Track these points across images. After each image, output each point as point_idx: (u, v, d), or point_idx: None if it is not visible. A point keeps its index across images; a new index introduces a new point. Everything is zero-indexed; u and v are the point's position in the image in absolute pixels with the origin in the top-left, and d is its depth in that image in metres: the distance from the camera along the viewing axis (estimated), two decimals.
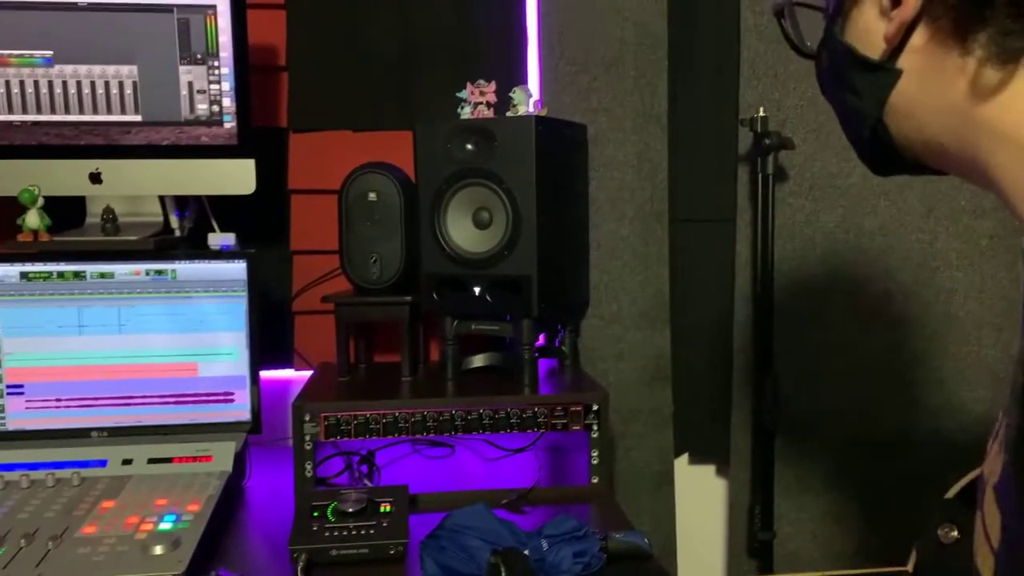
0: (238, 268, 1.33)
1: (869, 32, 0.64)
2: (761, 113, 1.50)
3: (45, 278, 1.29)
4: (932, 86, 0.61)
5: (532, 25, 1.59)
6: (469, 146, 1.31)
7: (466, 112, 1.36)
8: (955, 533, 0.66)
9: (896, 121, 0.65)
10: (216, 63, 1.34)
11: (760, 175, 1.52)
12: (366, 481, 1.33)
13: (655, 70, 1.58)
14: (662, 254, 1.62)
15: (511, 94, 1.35)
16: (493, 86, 1.36)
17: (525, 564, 0.63)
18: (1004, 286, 1.58)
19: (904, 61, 0.62)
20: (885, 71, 0.63)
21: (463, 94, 1.37)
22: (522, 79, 1.59)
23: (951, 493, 0.69)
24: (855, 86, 0.66)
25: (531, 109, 1.36)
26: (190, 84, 1.34)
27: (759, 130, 1.50)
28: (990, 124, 0.58)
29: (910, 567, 0.64)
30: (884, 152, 0.68)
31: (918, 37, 0.61)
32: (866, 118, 0.66)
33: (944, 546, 0.66)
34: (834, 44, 0.68)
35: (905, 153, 0.67)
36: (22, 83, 1.32)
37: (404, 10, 1.56)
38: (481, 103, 1.35)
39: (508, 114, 1.35)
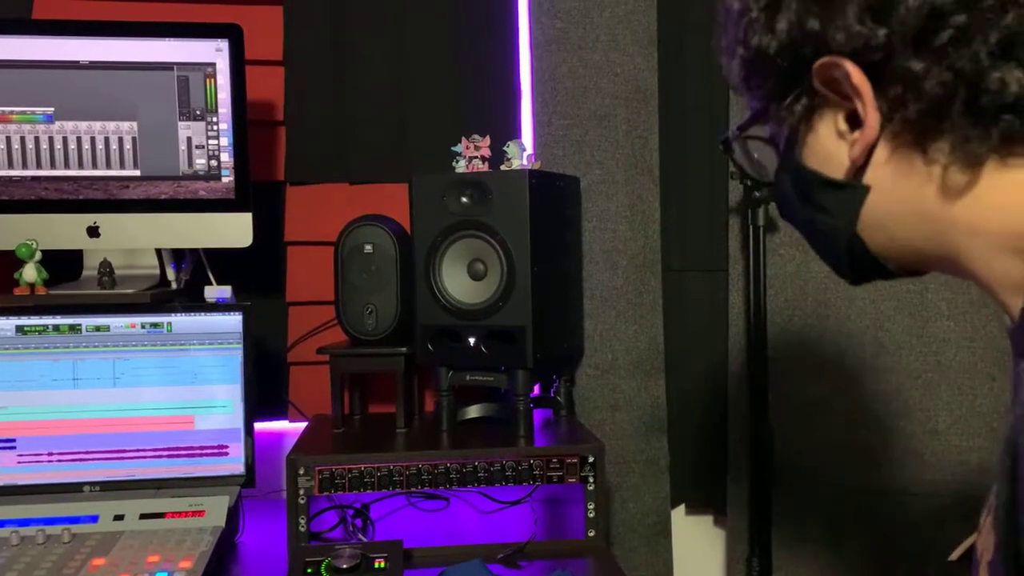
0: (234, 320, 1.34)
1: (829, 154, 0.65)
2: None
3: (41, 331, 1.29)
4: (901, 195, 0.62)
5: (525, 80, 1.62)
6: (464, 199, 1.32)
7: (461, 165, 1.38)
8: None
9: (870, 233, 0.66)
10: (215, 119, 1.37)
11: (751, 226, 1.54)
12: (360, 536, 1.32)
13: (646, 123, 1.61)
14: (656, 304, 1.63)
15: (505, 148, 1.38)
16: (487, 140, 1.39)
17: None
18: (996, 335, 1.59)
19: (870, 176, 0.63)
20: (853, 188, 0.64)
21: (458, 148, 1.39)
22: (516, 133, 1.62)
23: (955, 555, 0.69)
24: (825, 206, 0.67)
25: (525, 162, 1.38)
26: (189, 139, 1.37)
27: (749, 183, 1.52)
28: (962, 222, 0.59)
29: None
30: (862, 263, 0.68)
31: (881, 152, 0.62)
32: (841, 235, 0.67)
33: None
34: (796, 170, 0.68)
35: (883, 261, 0.67)
36: (23, 139, 1.34)
37: (400, 65, 1.59)
38: (476, 157, 1.38)
39: (502, 167, 1.37)
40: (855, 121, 0.62)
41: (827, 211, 0.67)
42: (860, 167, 0.63)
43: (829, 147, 0.65)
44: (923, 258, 0.65)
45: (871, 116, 0.60)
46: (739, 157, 0.77)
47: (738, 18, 0.67)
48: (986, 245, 0.59)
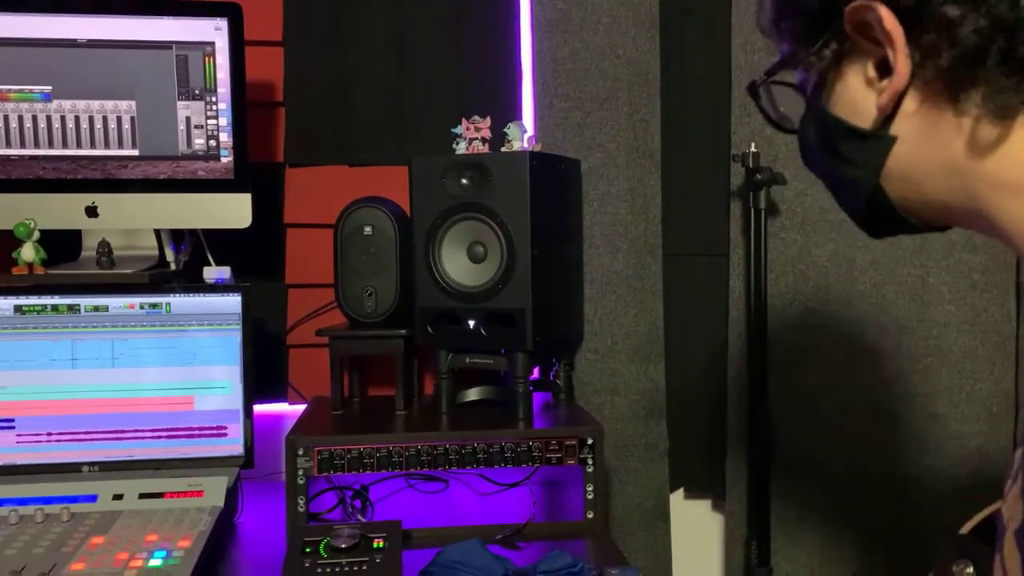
0: (233, 301, 1.33)
1: (856, 103, 0.64)
2: (753, 149, 1.52)
3: (39, 311, 1.29)
4: (928, 147, 0.61)
5: (527, 62, 1.61)
6: (464, 181, 1.32)
7: (461, 147, 1.37)
8: (971, 570, 0.65)
9: (894, 185, 0.64)
10: (214, 99, 1.36)
11: (752, 210, 1.54)
12: (359, 516, 1.32)
13: (648, 106, 1.60)
14: (656, 288, 1.63)
15: (506, 130, 1.37)
16: (488, 122, 1.38)
17: None
18: (997, 320, 1.59)
19: (897, 127, 0.62)
20: (879, 139, 0.63)
21: (458, 130, 1.38)
22: (517, 115, 1.61)
23: (966, 529, 0.69)
24: (849, 156, 0.66)
25: (525, 145, 1.37)
26: (188, 119, 1.36)
27: (751, 165, 1.51)
28: (992, 177, 0.58)
29: None
30: (884, 216, 0.67)
31: (910, 102, 0.60)
32: (863, 186, 0.66)
33: None
34: (822, 117, 0.67)
35: (906, 214, 0.66)
36: (20, 118, 1.33)
37: (400, 46, 1.58)
38: (476, 139, 1.37)
39: (503, 149, 1.36)
40: (885, 69, 0.61)
41: (851, 161, 0.66)
42: (887, 117, 0.61)
43: (857, 95, 0.63)
44: (948, 213, 0.64)
45: (902, 63, 0.58)
46: (765, 103, 0.75)
47: None
48: (1016, 202, 0.57)
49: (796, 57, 0.67)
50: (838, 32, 0.62)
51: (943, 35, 0.56)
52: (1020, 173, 0.57)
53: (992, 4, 0.54)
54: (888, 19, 0.58)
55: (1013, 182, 0.57)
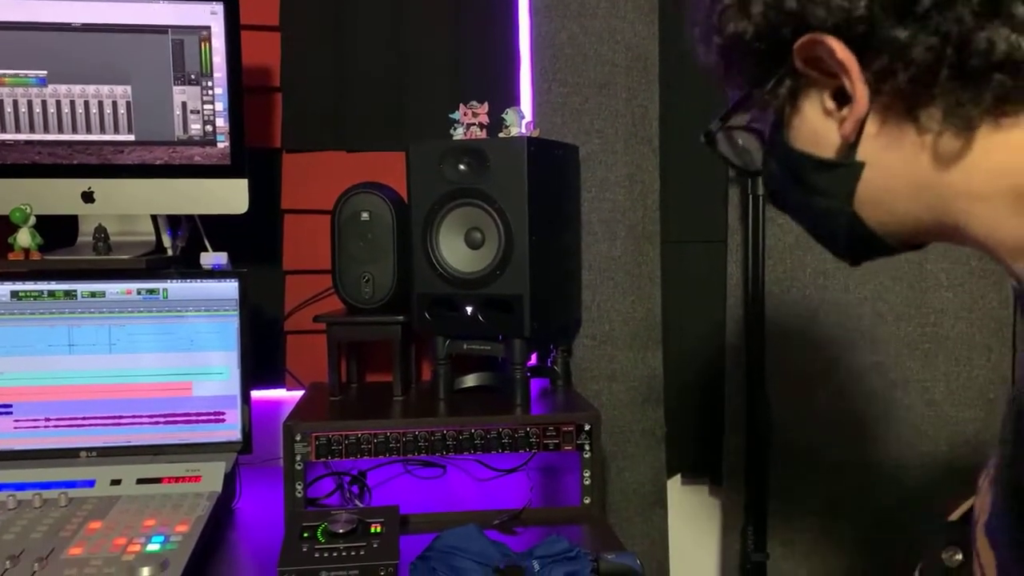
0: (230, 287, 1.33)
1: (818, 134, 0.63)
2: None
3: (36, 297, 1.29)
4: (896, 168, 0.61)
5: (525, 47, 1.60)
6: (461, 167, 1.31)
7: (459, 133, 1.37)
8: (959, 556, 0.66)
9: (868, 210, 0.64)
10: (210, 83, 1.35)
11: (750, 196, 1.53)
12: (357, 502, 1.32)
13: (646, 92, 1.60)
14: (654, 275, 1.62)
15: (504, 115, 1.37)
16: (486, 107, 1.37)
17: None
18: (994, 306, 1.59)
19: (863, 151, 0.62)
20: (848, 167, 0.63)
21: (456, 115, 1.38)
22: (515, 100, 1.60)
23: (955, 515, 0.69)
24: (820, 188, 0.66)
25: (523, 130, 1.37)
26: (184, 104, 1.35)
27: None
28: (960, 188, 0.58)
29: None
30: (862, 242, 0.67)
31: (871, 125, 0.60)
32: (838, 215, 0.65)
33: (949, 570, 0.66)
34: (786, 154, 0.66)
35: (883, 237, 0.66)
36: (15, 102, 1.32)
37: (397, 31, 1.57)
38: (474, 124, 1.36)
39: (500, 135, 1.36)
40: (841, 98, 0.61)
41: (822, 192, 0.65)
42: (852, 143, 0.61)
43: (817, 127, 0.63)
44: (923, 229, 0.64)
45: (860, 90, 0.58)
46: (724, 149, 0.74)
47: (710, 6, 0.65)
48: (987, 209, 0.58)
49: (750, 100, 0.66)
50: (789, 68, 0.62)
51: (895, 58, 0.56)
52: (986, 181, 0.57)
53: (938, 23, 0.54)
54: (840, 50, 0.57)
55: (982, 191, 0.58)
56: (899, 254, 0.69)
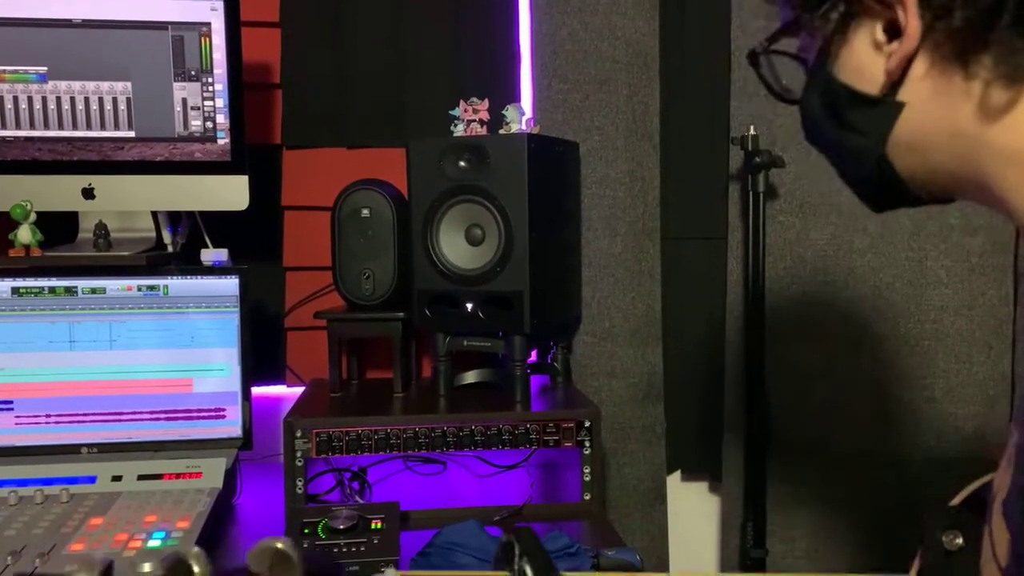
0: (230, 284, 1.33)
1: (863, 68, 0.62)
2: (752, 131, 1.51)
3: (36, 293, 1.29)
4: (936, 113, 0.59)
5: (525, 43, 1.60)
6: (462, 163, 1.31)
7: (459, 130, 1.37)
8: (960, 540, 0.66)
9: (900, 154, 0.63)
10: (210, 80, 1.35)
11: (751, 193, 1.53)
12: (357, 498, 1.33)
13: (647, 89, 1.59)
14: (654, 271, 1.62)
15: (504, 112, 1.36)
16: (486, 104, 1.37)
17: (538, 543, 0.62)
18: (994, 303, 1.59)
19: (905, 92, 0.60)
20: (887, 105, 0.61)
21: (456, 112, 1.38)
22: (515, 97, 1.60)
23: (956, 500, 0.69)
24: (855, 124, 0.64)
25: (524, 127, 1.36)
26: (184, 100, 1.35)
27: (750, 148, 1.51)
28: (998, 145, 0.57)
29: (913, 573, 0.64)
30: (887, 187, 0.66)
31: (919, 66, 0.59)
32: (869, 155, 0.64)
33: (949, 553, 0.66)
34: (827, 84, 0.65)
35: (910, 185, 0.65)
36: (16, 99, 1.32)
37: (398, 28, 1.57)
38: (474, 121, 1.36)
39: (501, 132, 1.36)
40: (893, 32, 0.59)
41: (857, 129, 0.64)
42: (895, 82, 0.60)
43: (864, 60, 0.62)
44: (952, 184, 0.63)
45: (912, 24, 0.57)
46: (766, 72, 0.73)
47: None
48: (1019, 171, 0.56)
49: (800, 21, 0.65)
50: None
51: None
52: None
53: None
54: None
55: (1019, 154, 0.56)
56: (923, 205, 0.68)
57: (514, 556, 0.57)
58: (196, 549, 0.39)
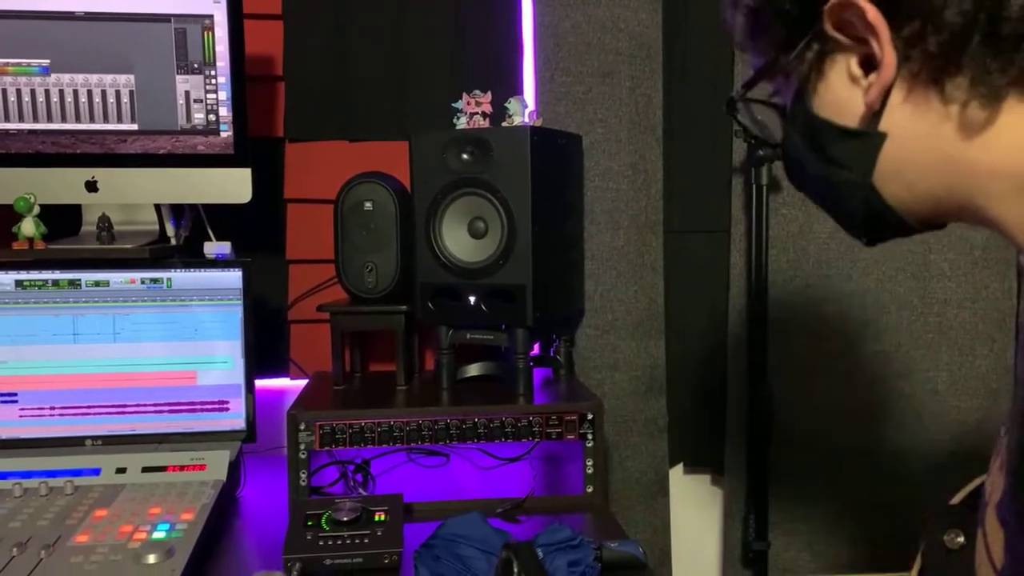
0: (234, 277, 1.33)
1: (841, 102, 0.63)
2: None
3: (40, 286, 1.29)
4: (918, 140, 0.60)
5: (528, 36, 1.60)
6: (465, 156, 1.31)
7: (462, 122, 1.37)
8: (961, 539, 0.66)
9: (887, 184, 0.63)
10: (213, 73, 1.35)
11: (754, 185, 1.53)
12: (361, 490, 1.33)
13: (650, 81, 1.59)
14: (657, 264, 1.62)
15: (507, 104, 1.36)
16: (489, 96, 1.37)
17: (537, 559, 0.63)
18: (997, 296, 1.59)
19: (886, 122, 0.61)
20: (869, 137, 0.62)
21: (459, 104, 1.37)
22: (518, 89, 1.60)
23: (957, 499, 0.70)
24: (839, 159, 0.65)
25: (526, 119, 1.36)
26: (187, 93, 1.35)
27: (753, 141, 1.50)
28: (981, 162, 0.58)
29: (914, 572, 0.64)
30: (878, 219, 0.66)
31: (896, 95, 0.60)
32: (856, 188, 0.65)
33: (950, 551, 0.66)
34: (808, 122, 0.66)
35: (901, 214, 0.65)
36: (19, 91, 1.32)
37: (400, 21, 1.57)
38: (477, 113, 1.36)
39: (504, 124, 1.35)
40: (869, 65, 0.60)
41: (841, 163, 0.65)
42: (876, 111, 0.61)
43: (842, 94, 0.63)
44: (942, 207, 0.63)
45: (888, 55, 0.58)
46: (744, 118, 0.74)
47: None
48: (1006, 187, 0.57)
49: (776, 65, 0.66)
50: (818, 33, 0.61)
51: (927, 22, 0.56)
52: (1009, 156, 0.57)
53: None
54: (871, 12, 0.57)
55: (1003, 167, 0.57)
56: (915, 234, 0.68)
57: (512, 573, 0.57)
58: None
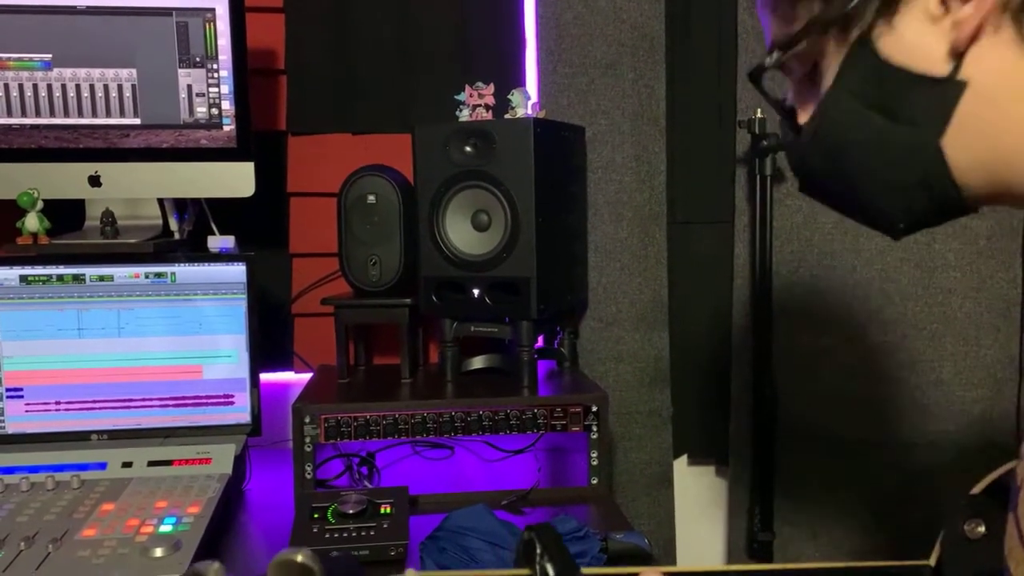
0: (237, 271, 1.33)
1: (914, 46, 0.56)
2: (759, 114, 1.50)
3: (44, 281, 1.29)
4: (1004, 92, 0.54)
5: (530, 27, 1.59)
6: (468, 148, 1.31)
7: (464, 114, 1.36)
8: (982, 529, 0.65)
9: (955, 146, 0.56)
10: (215, 66, 1.35)
11: (758, 176, 1.53)
12: (366, 483, 1.33)
13: (653, 72, 1.58)
14: (660, 256, 1.62)
15: (509, 96, 1.36)
16: (491, 88, 1.37)
17: (559, 540, 0.63)
18: (1002, 286, 1.58)
19: (967, 70, 0.54)
20: (948, 85, 0.54)
21: (461, 96, 1.37)
22: (520, 81, 1.59)
23: (978, 489, 0.69)
24: (908, 114, 0.57)
25: (529, 111, 1.36)
26: (189, 87, 1.35)
27: (757, 131, 1.50)
28: None
29: (932, 561, 0.64)
30: (930, 195, 0.59)
31: (983, 38, 0.53)
32: (920, 153, 0.57)
33: (971, 541, 0.66)
34: (873, 73, 0.57)
35: (959, 187, 0.58)
36: (21, 86, 1.32)
37: (402, 13, 1.56)
38: (480, 105, 1.36)
39: (506, 116, 1.35)
40: (944, 3, 0.54)
41: (910, 119, 0.57)
42: (958, 55, 0.54)
43: (916, 38, 0.55)
44: (1001, 181, 0.56)
45: None
46: (770, 88, 0.66)
47: None
48: None
49: (835, 7, 0.58)
50: None
51: None
52: None
53: None
54: None
55: None
56: (950, 220, 0.62)
57: (535, 554, 0.57)
58: (216, 564, 0.39)
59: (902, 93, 0.57)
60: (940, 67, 0.55)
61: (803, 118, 0.66)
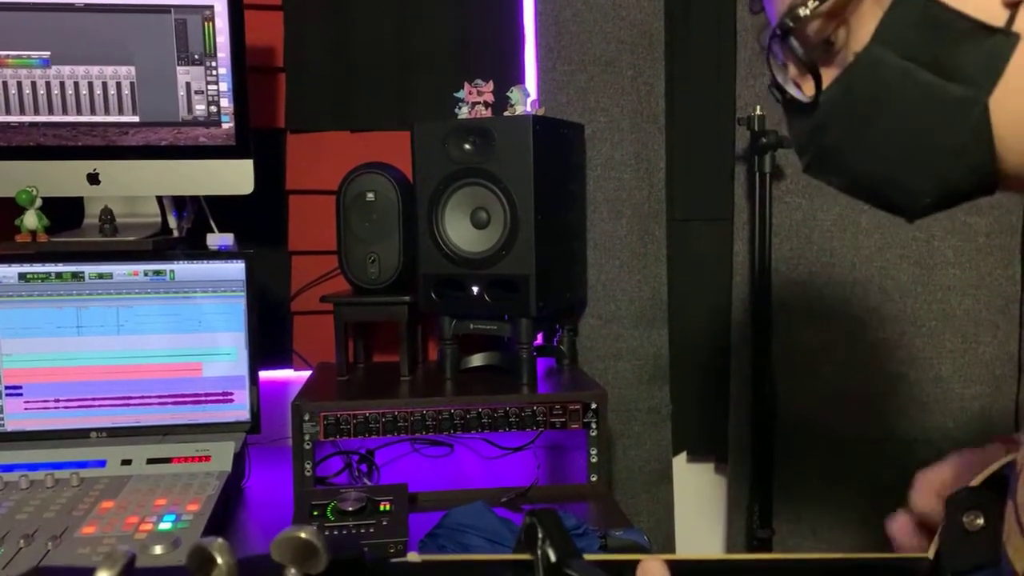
0: (236, 268, 1.33)
1: None
2: (758, 111, 1.50)
3: (43, 279, 1.29)
4: None
5: (529, 25, 1.59)
6: (467, 146, 1.31)
7: (464, 112, 1.36)
8: (980, 520, 0.65)
9: (1002, 107, 0.51)
10: (214, 64, 1.34)
11: (757, 173, 1.53)
12: (365, 480, 1.33)
13: (652, 69, 1.58)
14: (659, 253, 1.62)
15: (509, 94, 1.36)
16: (490, 86, 1.36)
17: (561, 525, 0.63)
18: (1001, 283, 1.58)
19: (1020, 22, 0.50)
20: (1000, 37, 0.50)
21: (461, 94, 1.37)
22: (519, 79, 1.59)
23: (977, 481, 0.69)
24: (958, 66, 0.52)
25: (528, 109, 1.36)
26: (188, 85, 1.34)
27: (756, 128, 1.50)
28: None
29: (931, 553, 0.64)
30: (968, 163, 0.54)
31: None
32: (968, 111, 0.52)
33: (969, 533, 0.66)
34: (924, 18, 0.52)
35: (998, 157, 0.53)
36: (19, 84, 1.32)
37: (401, 11, 1.56)
38: (479, 103, 1.36)
39: (506, 114, 1.35)
40: None
41: (959, 73, 0.52)
42: (1014, 4, 0.50)
43: None
44: None
45: None
46: (796, 45, 0.58)
47: None
48: None
49: None
50: None
51: None
52: None
53: None
54: None
55: None
56: (972, 200, 0.57)
57: (537, 539, 0.57)
58: (220, 541, 0.39)
59: (952, 42, 0.52)
60: (995, 15, 0.51)
61: (810, 90, 0.60)
